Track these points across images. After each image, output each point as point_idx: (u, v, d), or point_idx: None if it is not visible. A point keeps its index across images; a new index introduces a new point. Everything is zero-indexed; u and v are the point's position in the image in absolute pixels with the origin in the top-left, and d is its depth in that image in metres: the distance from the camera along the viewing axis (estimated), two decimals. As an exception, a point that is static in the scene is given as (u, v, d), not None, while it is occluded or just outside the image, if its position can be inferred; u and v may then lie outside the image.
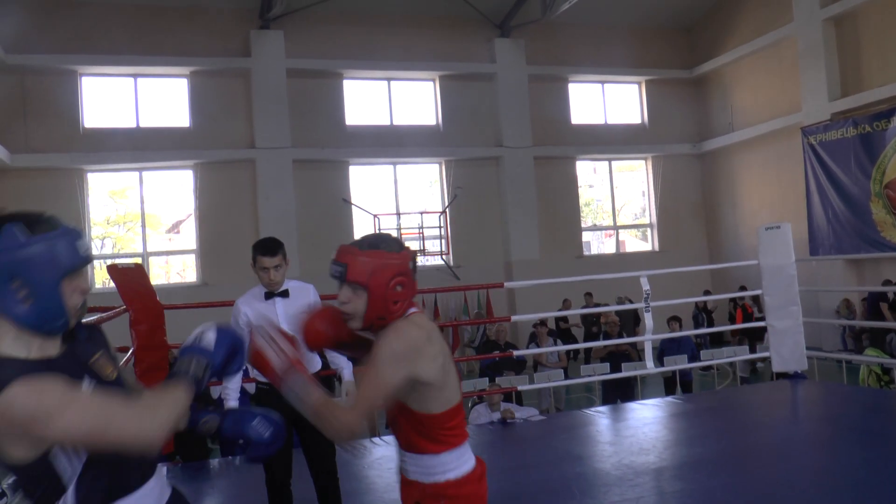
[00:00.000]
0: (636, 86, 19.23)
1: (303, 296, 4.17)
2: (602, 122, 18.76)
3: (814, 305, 13.58)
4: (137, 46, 14.78)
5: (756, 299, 13.82)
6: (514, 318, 8.72)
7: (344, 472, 5.43)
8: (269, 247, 4.12)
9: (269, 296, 4.16)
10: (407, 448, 2.35)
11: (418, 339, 2.22)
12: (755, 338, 13.03)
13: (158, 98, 15.49)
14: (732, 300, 15.14)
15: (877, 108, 14.07)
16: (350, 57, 16.16)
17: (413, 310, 2.35)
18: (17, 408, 1.57)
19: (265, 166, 15.28)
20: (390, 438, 6.60)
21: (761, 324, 8.77)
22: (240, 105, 15.51)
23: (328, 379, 4.23)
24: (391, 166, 17.00)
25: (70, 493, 1.72)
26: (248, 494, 5.11)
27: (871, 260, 14.42)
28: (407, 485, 2.39)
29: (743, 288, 15.77)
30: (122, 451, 1.68)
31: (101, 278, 15.08)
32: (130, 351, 5.78)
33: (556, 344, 10.83)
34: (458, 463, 2.34)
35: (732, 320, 14.78)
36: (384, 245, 2.32)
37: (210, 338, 1.96)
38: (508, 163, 16.98)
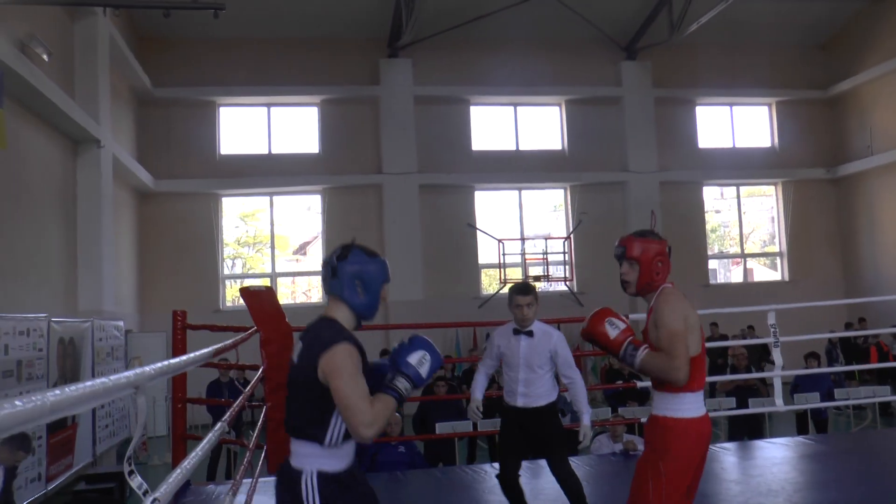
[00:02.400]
0: (766, 107, 18.62)
1: (546, 340, 4.55)
2: (730, 145, 18.25)
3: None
4: (270, 77, 15.51)
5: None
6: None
7: (464, 496, 5.46)
8: (523, 288, 4.60)
9: (516, 332, 4.60)
10: (658, 388, 3.23)
11: (684, 300, 3.25)
12: (894, 378, 12.29)
13: (290, 126, 16.13)
14: (865, 337, 14.26)
15: None
16: (476, 83, 16.38)
17: (668, 284, 3.37)
18: (338, 355, 2.47)
19: (392, 191, 15.62)
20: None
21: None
22: (368, 131, 15.96)
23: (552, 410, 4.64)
24: (516, 191, 17.05)
25: (335, 423, 2.56)
26: None
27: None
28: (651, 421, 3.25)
29: (862, 321, 14.91)
30: (346, 423, 2.46)
31: (231, 296, 15.74)
32: (261, 370, 5.99)
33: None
34: (695, 405, 3.18)
35: (866, 357, 13.94)
36: (650, 235, 3.44)
37: (427, 369, 2.60)
38: (633, 187, 16.74)
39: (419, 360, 2.57)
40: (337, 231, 15.75)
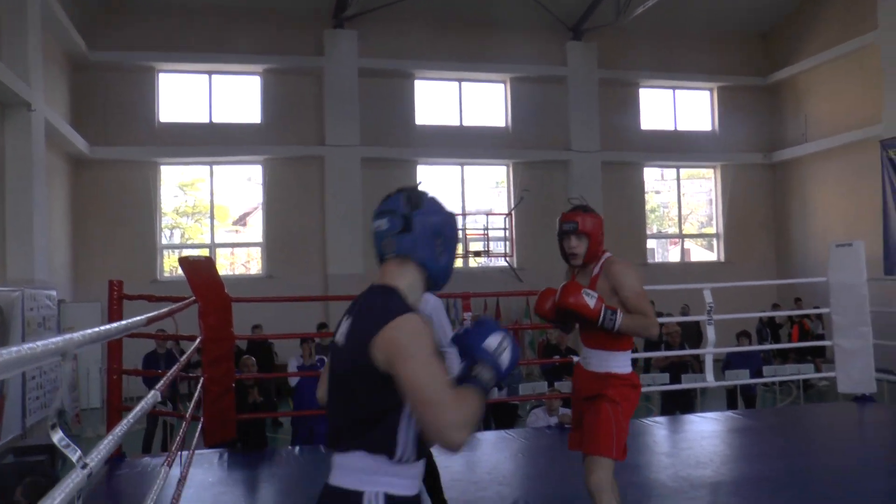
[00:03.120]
0: (708, 92, 18.93)
1: (428, 306, 4.26)
2: (672, 128, 18.52)
3: (888, 326, 13.14)
4: (212, 45, 15.19)
5: (820, 316, 13.56)
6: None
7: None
8: None
9: None
10: (605, 347, 3.61)
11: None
12: (816, 356, 12.81)
13: (232, 95, 15.85)
14: (790, 316, 14.76)
15: (960, 123, 13.60)
16: (422, 57, 16.29)
17: (608, 253, 3.76)
18: (405, 329, 1.82)
19: (334, 163, 15.49)
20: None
21: (826, 343, 8.56)
22: (311, 103, 15.77)
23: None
24: (458, 167, 17.06)
25: (406, 427, 1.88)
26: (304, 482, 5.20)
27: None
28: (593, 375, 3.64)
29: (798, 301, 15.53)
30: (425, 426, 1.79)
31: (169, 266, 15.51)
32: (198, 341, 5.93)
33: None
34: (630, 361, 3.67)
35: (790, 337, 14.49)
36: (592, 210, 3.70)
37: (506, 360, 1.96)
38: (576, 167, 16.89)
39: (498, 347, 1.96)
40: (278, 202, 15.60)
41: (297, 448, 6.40)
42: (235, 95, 15.87)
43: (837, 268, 7.97)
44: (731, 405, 9.87)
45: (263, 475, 5.66)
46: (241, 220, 16.79)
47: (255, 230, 16.25)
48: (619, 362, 3.63)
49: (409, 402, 1.80)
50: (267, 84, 15.78)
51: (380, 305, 1.91)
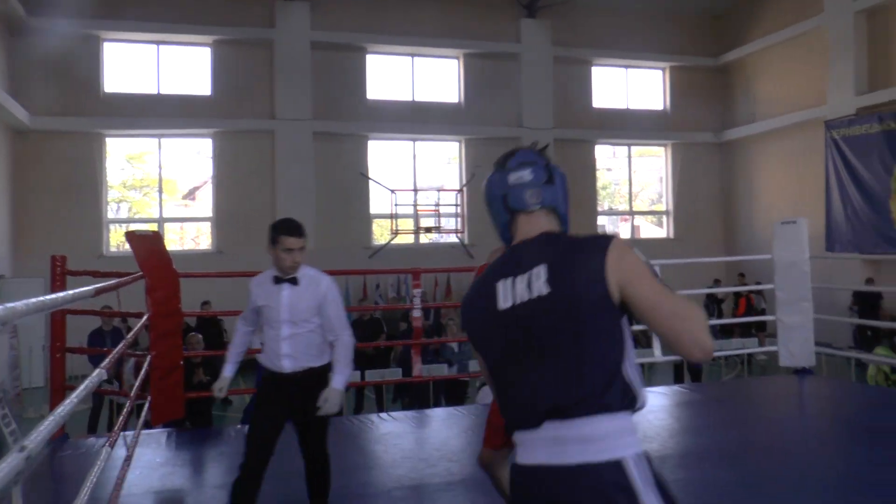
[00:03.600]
0: (660, 72, 19.09)
1: (313, 287, 3.86)
2: (624, 106, 18.65)
3: (828, 301, 13.52)
4: (161, 14, 14.80)
5: (761, 292, 13.92)
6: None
7: (350, 445, 5.52)
8: (295, 227, 3.79)
9: (278, 280, 3.84)
10: None
11: None
12: (758, 329, 13.17)
13: (181, 65, 15.52)
14: (736, 291, 15.12)
15: (903, 105, 13.93)
16: (374, 31, 16.13)
17: None
18: (628, 251, 1.73)
19: (285, 137, 15.31)
20: (398, 414, 6.66)
21: (770, 318, 8.75)
22: (262, 76, 15.53)
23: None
24: (411, 142, 16.99)
25: (634, 370, 1.74)
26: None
27: (887, 259, 14.31)
28: None
29: (741, 276, 15.93)
30: (678, 338, 1.67)
31: (115, 241, 15.22)
32: (145, 317, 5.84)
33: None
34: None
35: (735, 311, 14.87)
36: None
37: None
38: (528, 143, 16.89)
39: None
40: (228, 176, 15.38)
41: (247, 427, 6.36)
42: (185, 67, 15.54)
43: (782, 245, 8.14)
44: (678, 379, 10.07)
45: (212, 454, 5.61)
46: (191, 195, 16.54)
47: (205, 204, 16.02)
48: None
49: (651, 321, 1.69)
50: (217, 56, 15.48)
51: (580, 240, 1.81)
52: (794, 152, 16.75)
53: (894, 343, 11.09)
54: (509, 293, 1.81)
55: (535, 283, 1.76)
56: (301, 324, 3.80)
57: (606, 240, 1.76)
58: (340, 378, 3.83)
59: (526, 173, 1.95)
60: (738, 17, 18.47)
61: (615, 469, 1.65)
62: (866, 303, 13.75)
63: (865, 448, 5.32)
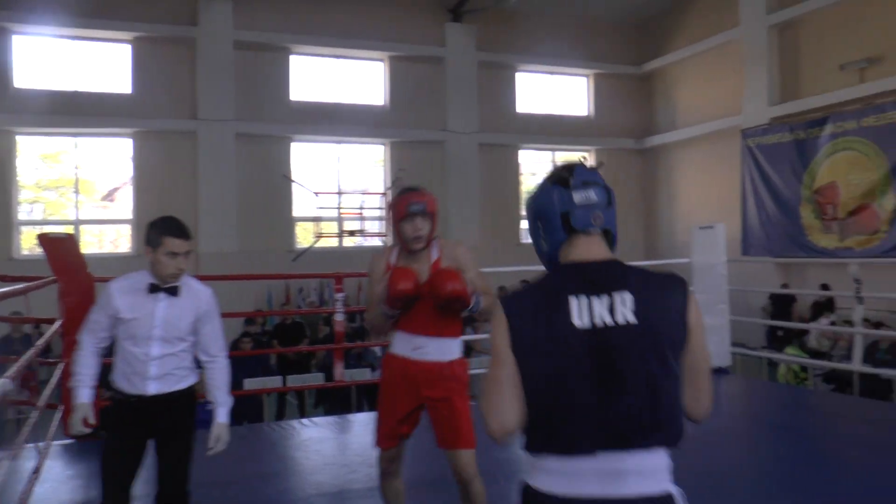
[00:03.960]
0: (584, 78, 19.39)
1: (193, 299, 3.42)
2: (548, 112, 18.88)
3: (743, 303, 13.96)
4: (78, 8, 14.32)
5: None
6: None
7: (271, 452, 5.45)
8: (181, 227, 3.36)
9: (154, 289, 3.33)
10: (444, 334, 3.42)
11: None
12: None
13: (100, 62, 15.10)
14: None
15: (812, 116, 14.49)
16: (298, 32, 15.96)
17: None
18: (696, 302, 1.82)
19: (207, 138, 15.03)
20: (320, 420, 6.61)
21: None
22: (184, 75, 15.20)
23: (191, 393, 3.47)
24: (335, 144, 16.87)
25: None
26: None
27: (797, 262, 14.84)
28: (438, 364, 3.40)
29: None
30: (701, 397, 1.85)
31: (28, 244, 14.70)
32: (58, 323, 5.66)
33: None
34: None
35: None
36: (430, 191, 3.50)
37: None
38: (452, 148, 17.01)
39: None
40: (148, 178, 15.01)
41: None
42: (104, 63, 15.11)
43: (700, 249, 8.37)
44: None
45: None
46: (110, 196, 16.09)
47: (124, 206, 15.59)
48: (458, 348, 3.51)
49: (690, 371, 1.77)
50: (138, 53, 15.10)
51: (658, 276, 1.82)
52: (712, 159, 17.23)
53: (803, 343, 11.55)
54: (585, 312, 1.75)
55: (620, 309, 1.74)
56: (175, 342, 3.32)
57: (684, 282, 1.82)
58: (224, 411, 3.52)
59: (592, 193, 1.92)
60: (660, 27, 18.92)
61: (668, 502, 1.71)
62: (780, 305, 14.25)
63: (774, 443, 5.54)
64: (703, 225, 8.62)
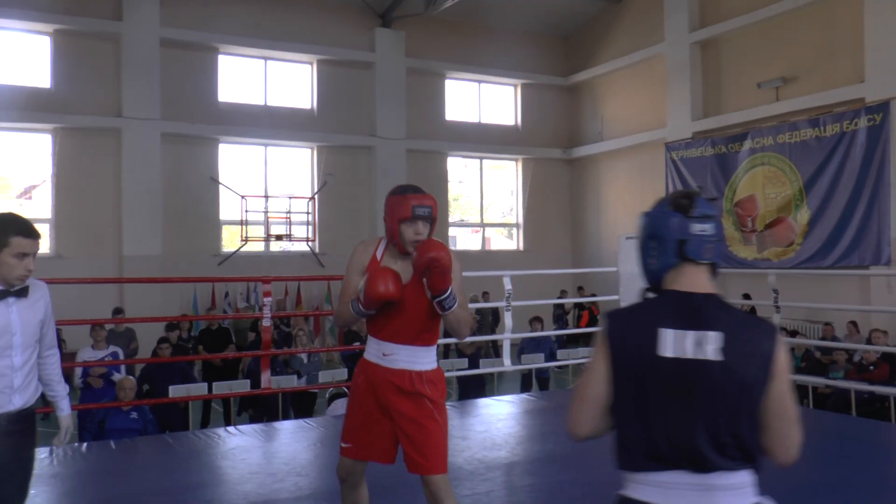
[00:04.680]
0: (512, 88, 19.60)
1: (41, 298, 3.15)
2: (476, 120, 19.02)
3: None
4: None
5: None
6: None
7: (196, 462, 5.34)
8: (30, 226, 3.01)
9: (3, 294, 2.98)
10: (416, 342, 3.26)
11: None
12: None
13: (16, 56, 14.58)
14: (580, 303, 15.81)
15: (732, 131, 14.97)
16: (227, 32, 15.71)
17: None
18: (785, 351, 1.88)
19: (132, 137, 14.65)
20: (246, 428, 6.51)
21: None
22: (107, 71, 14.79)
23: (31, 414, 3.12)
24: (262, 147, 16.66)
25: None
26: (98, 480, 4.92)
27: (719, 272, 15.24)
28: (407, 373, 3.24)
29: (580, 289, 16.72)
30: (786, 443, 1.93)
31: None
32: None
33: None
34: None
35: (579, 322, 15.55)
36: None
37: None
38: (381, 153, 16.97)
39: None
40: (69, 176, 14.55)
41: (85, 444, 6.02)
42: (21, 57, 14.60)
43: (627, 258, 8.54)
44: (526, 388, 10.34)
45: (45, 474, 5.27)
46: (26, 194, 15.54)
47: (42, 205, 15.08)
48: (433, 357, 3.36)
49: (774, 417, 1.86)
50: (59, 47, 14.63)
51: (752, 320, 1.93)
52: (637, 171, 17.61)
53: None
54: (677, 343, 1.87)
55: (707, 345, 1.85)
56: (33, 346, 3.09)
57: (774, 330, 1.90)
58: (67, 402, 3.34)
59: (710, 227, 1.99)
60: (587, 40, 19.26)
61: None
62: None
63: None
64: (629, 234, 8.80)
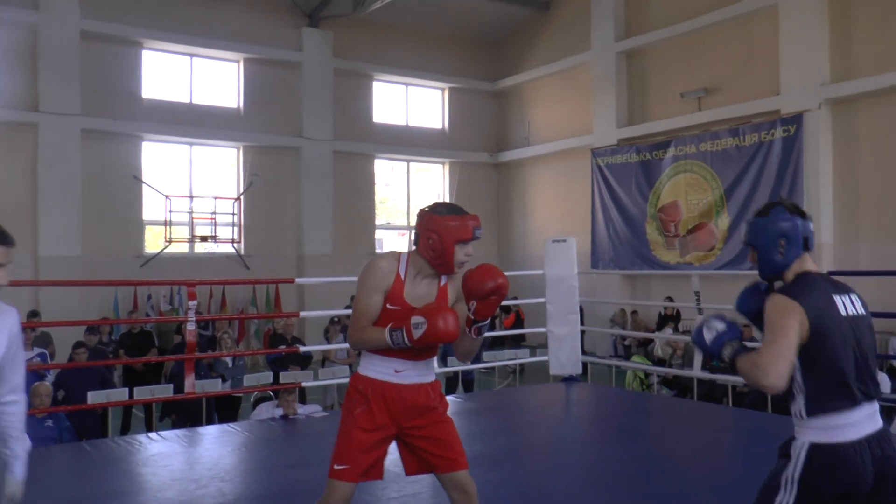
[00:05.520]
0: (440, 91, 19.64)
1: (9, 321, 2.73)
2: (404, 123, 19.00)
3: (592, 314, 14.58)
4: None
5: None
6: (302, 314, 8.94)
7: (115, 469, 5.18)
8: (4, 232, 2.61)
9: None
10: (426, 356, 3.26)
11: None
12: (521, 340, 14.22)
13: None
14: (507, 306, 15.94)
15: (656, 139, 15.33)
16: (151, 26, 15.30)
17: None
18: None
19: (49, 133, 14.11)
20: (168, 433, 6.36)
21: (541, 329, 9.22)
22: (24, 63, 14.19)
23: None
24: (187, 146, 16.30)
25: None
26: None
27: (643, 275, 15.61)
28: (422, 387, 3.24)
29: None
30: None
31: None
32: None
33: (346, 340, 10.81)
34: None
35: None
36: None
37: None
38: (307, 154, 16.79)
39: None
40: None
41: None
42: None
43: (553, 262, 8.67)
44: (451, 390, 10.34)
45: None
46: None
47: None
48: (434, 367, 3.42)
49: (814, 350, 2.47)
50: (-30, 40, 14.04)
51: (845, 284, 2.65)
52: (564, 176, 17.84)
53: (648, 352, 12.15)
54: (845, 305, 2.52)
55: (855, 304, 2.56)
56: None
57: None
58: (22, 465, 2.76)
59: (811, 224, 2.66)
60: (514, 46, 19.44)
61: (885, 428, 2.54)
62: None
63: (621, 445, 5.84)
64: (556, 238, 8.93)
